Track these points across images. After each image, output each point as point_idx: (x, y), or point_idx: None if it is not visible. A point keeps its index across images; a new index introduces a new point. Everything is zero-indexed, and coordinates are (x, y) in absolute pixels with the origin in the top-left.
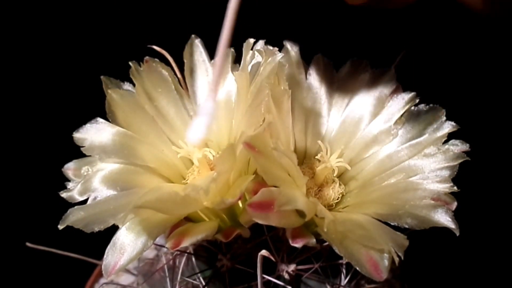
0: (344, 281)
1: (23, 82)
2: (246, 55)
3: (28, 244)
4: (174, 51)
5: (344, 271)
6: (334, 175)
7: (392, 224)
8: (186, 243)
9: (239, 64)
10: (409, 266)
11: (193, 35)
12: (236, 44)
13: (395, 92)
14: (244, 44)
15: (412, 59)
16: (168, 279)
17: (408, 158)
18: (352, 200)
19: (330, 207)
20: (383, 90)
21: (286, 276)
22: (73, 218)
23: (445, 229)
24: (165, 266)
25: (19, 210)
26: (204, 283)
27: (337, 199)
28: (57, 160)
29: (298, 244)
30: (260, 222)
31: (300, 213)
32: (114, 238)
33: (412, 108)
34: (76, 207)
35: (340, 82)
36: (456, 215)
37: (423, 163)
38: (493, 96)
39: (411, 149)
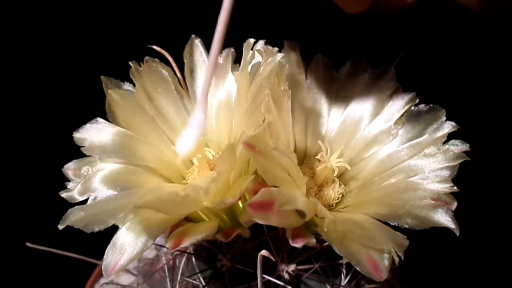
0: (344, 281)
1: (23, 82)
2: (246, 55)
3: (28, 244)
4: (174, 51)
5: (344, 271)
6: (334, 175)
7: (392, 224)
8: (186, 243)
9: (239, 64)
10: (409, 266)
11: (193, 35)
12: (236, 44)
13: (395, 92)
14: (244, 44)
15: (412, 59)
16: (168, 279)
17: (408, 158)
18: (352, 200)
19: (330, 207)
20: (383, 90)
21: (286, 276)
22: (73, 218)
23: (445, 229)
24: (165, 266)
25: (19, 210)
26: (204, 283)
27: (337, 199)
28: (57, 160)
29: (298, 244)
30: (260, 222)
31: (300, 213)
32: (114, 238)
33: (412, 108)
34: (76, 207)
35: (340, 82)
36: (456, 215)
37: (423, 163)
38: (493, 96)
39: (411, 149)
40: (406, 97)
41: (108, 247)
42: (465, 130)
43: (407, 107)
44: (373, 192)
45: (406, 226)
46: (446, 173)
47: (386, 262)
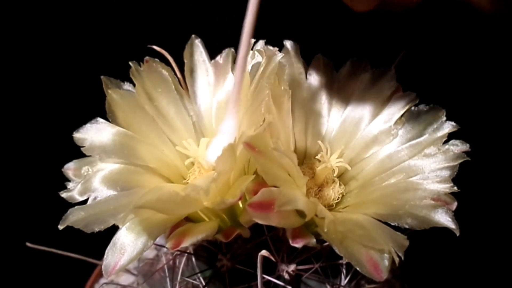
0: (344, 281)
1: (23, 82)
2: None
3: (28, 244)
4: (174, 51)
5: (344, 271)
6: (334, 175)
7: (392, 224)
8: (186, 243)
9: None
10: (409, 266)
11: (193, 35)
12: (236, 44)
13: (395, 92)
14: None
15: (412, 59)
16: (168, 279)
17: (408, 158)
18: (352, 200)
19: (330, 207)
20: (383, 90)
21: (286, 276)
22: (73, 218)
23: (445, 229)
24: (165, 266)
25: (19, 210)
26: (204, 283)
27: (337, 199)
28: (57, 160)
29: (298, 244)
30: (260, 222)
31: (300, 213)
32: (114, 238)
33: (412, 108)
34: (76, 207)
35: (340, 82)
36: (456, 215)
37: (423, 163)
38: (493, 96)
39: (411, 149)
40: (406, 97)
41: (108, 247)
42: (465, 130)
43: (407, 107)
44: (373, 192)
45: (406, 226)
46: (446, 173)
47: (386, 262)
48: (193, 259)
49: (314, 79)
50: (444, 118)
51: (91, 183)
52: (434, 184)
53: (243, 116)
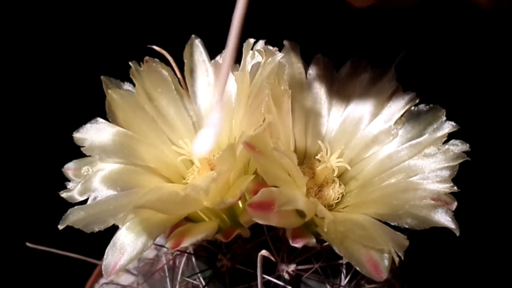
0: (344, 281)
1: (23, 82)
2: (246, 55)
3: (28, 244)
4: (174, 51)
5: (344, 271)
6: (334, 175)
7: (392, 224)
8: (186, 243)
9: (239, 64)
10: (409, 266)
11: (193, 35)
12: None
13: (395, 92)
14: (244, 44)
15: (412, 59)
16: (168, 279)
17: (408, 158)
18: (352, 200)
19: (330, 207)
20: (383, 90)
21: (286, 276)
22: (73, 218)
23: (445, 229)
24: (165, 266)
25: (19, 210)
26: (204, 283)
27: (337, 199)
28: (57, 160)
29: (298, 244)
30: (260, 222)
31: (300, 213)
32: (114, 238)
33: (412, 108)
34: (76, 207)
35: (340, 82)
36: (456, 215)
37: (423, 163)
38: (493, 96)
39: (411, 149)
40: (406, 97)
41: (108, 247)
42: (465, 130)
43: (407, 107)
44: (373, 192)
45: (406, 226)
46: (446, 173)
47: (386, 262)
48: (193, 259)
49: (314, 79)
50: (444, 118)
51: (91, 183)
52: (434, 184)
53: (243, 116)
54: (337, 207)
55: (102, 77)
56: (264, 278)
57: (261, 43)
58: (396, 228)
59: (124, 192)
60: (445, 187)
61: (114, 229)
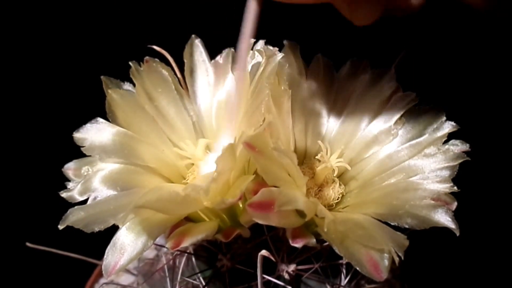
0: (344, 281)
1: (23, 82)
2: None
3: (28, 244)
4: (174, 51)
5: (344, 271)
6: (334, 175)
7: (392, 224)
8: (186, 243)
9: None
10: (409, 266)
11: (193, 35)
12: (236, 44)
13: (395, 92)
14: None
15: (412, 59)
16: (168, 279)
17: (408, 158)
18: (352, 200)
19: (330, 207)
20: (383, 90)
21: (286, 276)
22: (73, 218)
23: (445, 229)
24: (165, 266)
25: (19, 210)
26: (204, 283)
27: (337, 199)
28: (57, 160)
29: (298, 244)
30: (260, 222)
31: (300, 213)
32: (114, 238)
33: (412, 108)
34: (76, 207)
35: (340, 82)
36: (456, 215)
37: (423, 163)
38: (493, 96)
39: (411, 149)
40: (406, 97)
41: (108, 247)
42: (465, 130)
43: (407, 107)
44: (373, 192)
45: (406, 226)
46: (446, 173)
47: (386, 262)
48: (193, 259)
49: (314, 79)
50: (444, 118)
51: (91, 183)
52: (434, 184)
53: (243, 116)
54: (337, 207)
55: (102, 77)
56: (264, 278)
57: (261, 43)
58: (396, 228)
59: (124, 192)
60: (445, 187)
61: (114, 229)
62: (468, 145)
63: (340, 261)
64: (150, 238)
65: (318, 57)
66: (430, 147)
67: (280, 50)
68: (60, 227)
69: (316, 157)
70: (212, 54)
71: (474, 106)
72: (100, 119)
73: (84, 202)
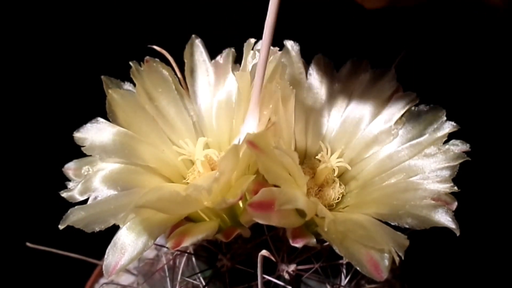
0: (344, 281)
1: (23, 82)
2: (247, 55)
3: (28, 244)
4: (174, 51)
5: (344, 271)
6: (335, 175)
7: (392, 224)
8: (187, 243)
9: (240, 64)
10: (409, 266)
11: (193, 35)
12: (237, 44)
13: (395, 92)
14: (245, 44)
15: (412, 59)
16: (168, 279)
17: (408, 158)
18: (352, 200)
19: (330, 207)
20: (383, 90)
21: (286, 276)
22: (73, 218)
23: (445, 229)
24: (165, 266)
25: (19, 210)
26: (204, 283)
27: (338, 199)
28: (57, 160)
29: (298, 244)
30: (260, 222)
31: (301, 213)
32: (114, 238)
33: (413, 108)
34: (76, 207)
35: (341, 82)
36: (456, 215)
37: (424, 163)
38: (493, 96)
39: (412, 149)
40: (406, 97)
41: (109, 247)
42: (465, 130)
43: (407, 107)
44: (373, 192)
45: (406, 226)
46: (446, 173)
47: (387, 262)
48: (193, 259)
49: (314, 79)
50: (444, 118)
51: (92, 183)
52: (434, 184)
53: (244, 115)
54: (338, 207)
55: (102, 77)
56: (264, 278)
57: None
58: (396, 228)
59: (125, 192)
60: (445, 187)
61: (114, 229)
62: (468, 145)
63: (340, 261)
64: (151, 238)
65: (318, 57)
66: (430, 147)
67: (280, 50)
68: (61, 227)
69: (317, 157)
70: (212, 54)
71: (474, 106)
72: (100, 119)
73: (85, 202)
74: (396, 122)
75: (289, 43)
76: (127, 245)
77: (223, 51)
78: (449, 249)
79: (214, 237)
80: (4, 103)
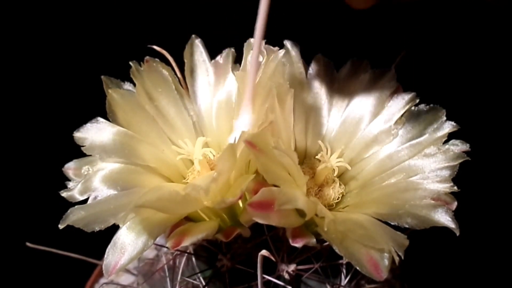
0: (344, 281)
1: (23, 82)
2: (247, 55)
3: (28, 244)
4: (174, 51)
5: (344, 271)
6: (334, 175)
7: (392, 224)
8: (187, 242)
9: (240, 64)
10: (409, 266)
11: (193, 35)
12: (237, 44)
13: (395, 92)
14: (245, 44)
15: (412, 59)
16: (168, 279)
17: (408, 158)
18: (352, 200)
19: (330, 207)
20: (383, 90)
21: (286, 276)
22: (73, 217)
23: (445, 229)
24: (165, 266)
25: (19, 210)
26: (204, 283)
27: (337, 199)
28: (57, 160)
29: (298, 244)
30: (260, 221)
31: (300, 213)
32: (114, 237)
33: (412, 108)
34: (76, 206)
35: (341, 82)
36: (456, 215)
37: (423, 163)
38: (493, 96)
39: (411, 149)
40: (406, 97)
41: (109, 246)
42: (465, 130)
43: (407, 107)
44: (373, 192)
45: (406, 226)
46: (446, 173)
47: (386, 262)
48: (193, 259)
49: (314, 79)
50: (444, 118)
51: (92, 183)
52: (434, 183)
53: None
54: (337, 207)
55: (102, 76)
56: (264, 278)
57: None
58: (396, 228)
59: (125, 191)
60: (445, 187)
61: (114, 228)
62: (468, 145)
63: (340, 261)
64: (151, 238)
65: (318, 57)
66: (430, 147)
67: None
68: (61, 226)
69: (316, 157)
70: (212, 54)
71: (474, 106)
72: (100, 119)
73: (85, 201)
74: (396, 122)
75: (289, 43)
76: (127, 244)
77: (223, 51)
78: (449, 249)
79: (214, 236)
80: (4, 103)
